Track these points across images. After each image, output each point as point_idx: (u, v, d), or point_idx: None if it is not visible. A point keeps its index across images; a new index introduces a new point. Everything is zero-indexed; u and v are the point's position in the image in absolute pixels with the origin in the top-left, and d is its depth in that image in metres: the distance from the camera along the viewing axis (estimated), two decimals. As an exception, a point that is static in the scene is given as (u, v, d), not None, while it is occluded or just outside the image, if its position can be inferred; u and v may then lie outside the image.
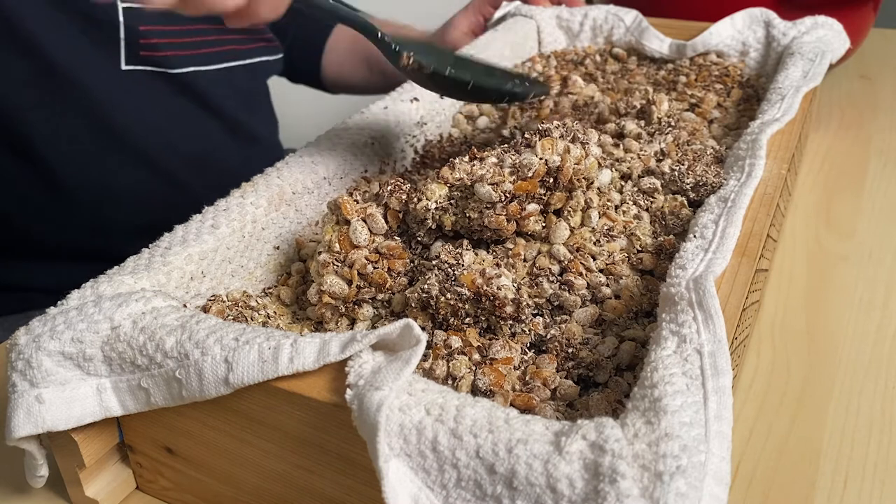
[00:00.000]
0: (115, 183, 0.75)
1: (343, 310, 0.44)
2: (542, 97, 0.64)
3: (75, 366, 0.37)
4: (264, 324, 0.44)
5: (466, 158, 0.46)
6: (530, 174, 0.43)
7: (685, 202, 0.50)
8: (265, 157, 0.64)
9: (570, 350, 0.40)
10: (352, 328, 0.44)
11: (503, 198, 0.43)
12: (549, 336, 0.41)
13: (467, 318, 0.41)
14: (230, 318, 0.43)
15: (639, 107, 0.61)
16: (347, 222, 0.44)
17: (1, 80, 0.70)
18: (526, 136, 0.46)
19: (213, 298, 0.44)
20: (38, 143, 0.73)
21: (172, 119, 0.76)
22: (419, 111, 0.64)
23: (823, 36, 0.73)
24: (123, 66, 0.71)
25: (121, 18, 0.69)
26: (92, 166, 0.74)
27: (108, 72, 0.71)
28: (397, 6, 1.07)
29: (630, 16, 0.81)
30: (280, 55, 0.90)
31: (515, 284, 0.42)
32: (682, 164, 0.52)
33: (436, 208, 0.45)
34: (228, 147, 0.82)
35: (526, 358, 0.40)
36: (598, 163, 0.47)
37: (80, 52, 0.69)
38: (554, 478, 0.28)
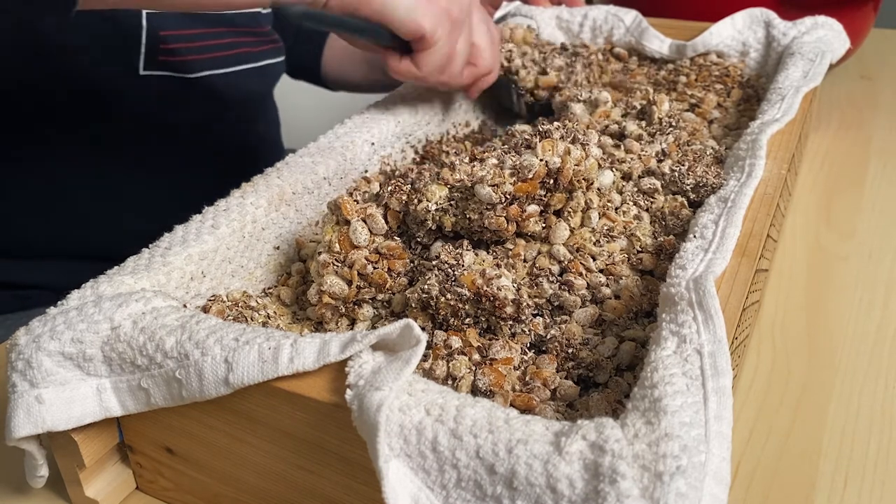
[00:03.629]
0: (120, 184, 0.75)
1: (343, 310, 0.44)
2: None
3: (75, 366, 0.37)
4: (264, 324, 0.44)
5: (467, 159, 0.46)
6: (530, 175, 0.43)
7: (685, 202, 0.50)
8: (268, 158, 0.64)
9: (570, 350, 0.40)
10: (352, 328, 0.44)
11: (503, 199, 0.43)
12: (549, 336, 0.41)
13: (467, 319, 0.41)
14: (230, 318, 0.43)
15: (639, 107, 0.61)
16: (347, 222, 0.44)
17: (16, 82, 0.70)
18: (526, 136, 0.46)
19: (213, 298, 0.44)
20: (45, 145, 0.73)
21: (183, 122, 0.76)
22: (419, 111, 0.64)
23: (823, 36, 0.73)
24: (142, 72, 0.71)
25: (144, 23, 0.69)
26: (97, 168, 0.74)
27: (124, 78, 0.71)
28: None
29: (630, 16, 0.81)
30: (283, 56, 0.90)
31: (515, 285, 0.42)
32: (683, 165, 0.52)
33: (436, 209, 0.45)
34: (236, 149, 0.83)
35: (526, 358, 0.40)
36: (599, 164, 0.47)
37: (98, 58, 0.69)
38: (554, 478, 0.28)
